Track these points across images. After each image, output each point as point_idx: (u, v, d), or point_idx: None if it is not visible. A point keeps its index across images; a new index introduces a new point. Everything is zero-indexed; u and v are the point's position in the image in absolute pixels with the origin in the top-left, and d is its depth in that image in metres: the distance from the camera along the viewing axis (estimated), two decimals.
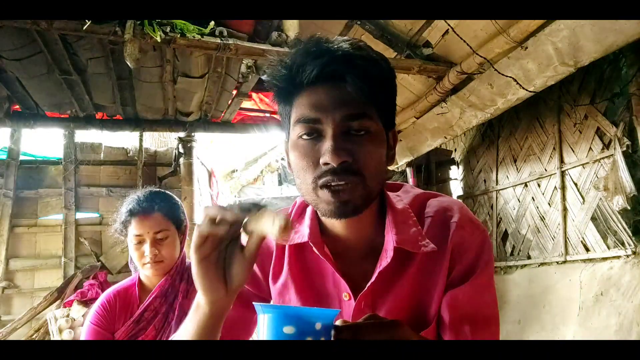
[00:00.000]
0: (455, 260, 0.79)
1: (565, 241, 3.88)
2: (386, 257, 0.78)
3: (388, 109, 0.78)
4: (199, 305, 0.68)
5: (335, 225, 0.81)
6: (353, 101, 0.71)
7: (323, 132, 0.72)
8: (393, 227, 0.79)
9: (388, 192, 0.86)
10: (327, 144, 0.71)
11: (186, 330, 0.71)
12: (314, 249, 0.80)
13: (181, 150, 4.71)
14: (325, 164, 0.71)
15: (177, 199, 1.67)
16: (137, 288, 1.58)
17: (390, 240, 0.78)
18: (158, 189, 1.65)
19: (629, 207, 3.30)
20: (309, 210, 0.85)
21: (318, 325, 0.52)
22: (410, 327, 0.77)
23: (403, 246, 0.77)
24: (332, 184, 0.71)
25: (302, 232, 0.83)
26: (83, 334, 1.55)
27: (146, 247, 1.50)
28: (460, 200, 0.88)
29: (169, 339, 0.85)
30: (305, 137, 0.73)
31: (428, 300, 0.80)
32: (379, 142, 0.75)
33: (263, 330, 0.53)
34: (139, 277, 1.60)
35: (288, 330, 0.51)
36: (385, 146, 0.77)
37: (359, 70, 0.70)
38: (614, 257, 3.42)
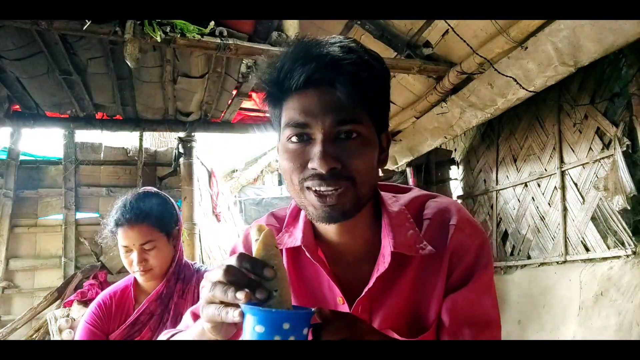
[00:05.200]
0: (455, 263, 0.78)
1: (565, 241, 3.88)
2: (383, 262, 0.77)
3: (380, 112, 0.77)
4: (205, 334, 0.66)
5: (329, 229, 0.80)
6: (343, 106, 0.70)
7: (312, 136, 0.71)
8: (389, 230, 0.78)
9: (383, 194, 0.84)
10: (315, 149, 0.70)
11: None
12: (307, 253, 0.79)
13: (181, 150, 4.71)
14: (313, 169, 0.70)
15: (169, 200, 1.60)
16: (132, 289, 1.56)
17: (387, 245, 0.77)
18: (149, 191, 1.59)
19: (629, 207, 3.30)
20: (303, 213, 0.84)
21: (286, 325, 0.57)
22: (408, 330, 0.77)
23: (400, 250, 0.76)
24: (321, 189, 0.70)
25: (296, 236, 0.83)
26: (77, 334, 1.53)
27: (134, 256, 1.48)
28: (458, 202, 0.88)
29: (162, 335, 0.85)
30: (294, 140, 0.73)
31: (426, 304, 0.79)
32: (370, 146, 0.74)
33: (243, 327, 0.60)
34: (135, 278, 1.58)
35: (259, 329, 0.57)
36: (377, 150, 0.76)
37: (348, 76, 0.69)
38: (614, 257, 3.42)
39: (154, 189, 1.62)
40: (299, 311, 0.60)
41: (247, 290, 0.57)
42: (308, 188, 0.72)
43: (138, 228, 1.46)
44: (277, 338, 0.56)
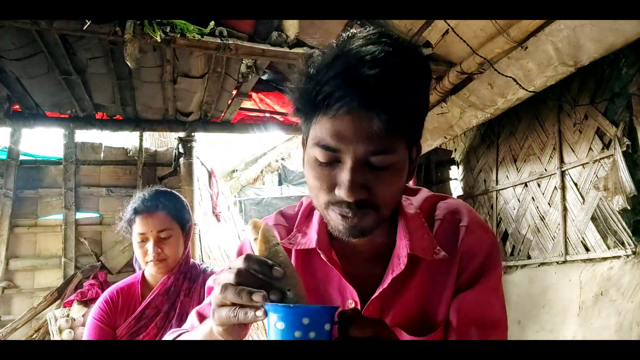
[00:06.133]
0: (464, 265, 0.79)
1: (565, 241, 3.88)
2: (399, 263, 0.77)
3: (417, 128, 0.73)
4: (213, 334, 0.66)
5: None
6: (377, 135, 0.65)
7: (341, 159, 0.68)
8: (406, 233, 0.78)
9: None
10: (344, 176, 0.67)
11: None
12: (322, 256, 0.79)
13: (181, 150, 4.71)
14: (340, 195, 0.69)
15: (183, 198, 1.67)
16: (139, 285, 1.60)
17: (403, 247, 0.77)
18: (164, 188, 1.66)
19: (629, 207, 3.30)
20: (316, 214, 0.84)
21: (305, 320, 0.56)
22: (415, 330, 0.77)
23: (416, 253, 0.77)
24: (345, 214, 0.70)
25: (310, 238, 0.82)
26: (86, 329, 1.57)
27: (149, 245, 1.52)
28: (466, 203, 0.88)
29: (168, 335, 0.85)
30: (322, 161, 0.69)
31: (435, 304, 0.79)
32: (400, 173, 0.71)
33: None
34: (142, 275, 1.63)
35: (280, 325, 0.56)
36: (406, 171, 0.73)
37: (387, 108, 0.64)
38: (614, 257, 3.42)
39: (169, 189, 1.68)
40: (317, 305, 0.60)
41: (263, 292, 0.57)
42: (332, 209, 0.71)
43: (156, 215, 1.53)
44: (297, 334, 0.56)
